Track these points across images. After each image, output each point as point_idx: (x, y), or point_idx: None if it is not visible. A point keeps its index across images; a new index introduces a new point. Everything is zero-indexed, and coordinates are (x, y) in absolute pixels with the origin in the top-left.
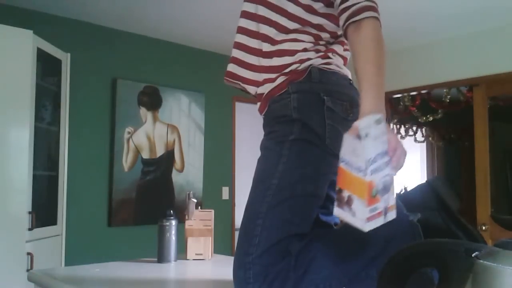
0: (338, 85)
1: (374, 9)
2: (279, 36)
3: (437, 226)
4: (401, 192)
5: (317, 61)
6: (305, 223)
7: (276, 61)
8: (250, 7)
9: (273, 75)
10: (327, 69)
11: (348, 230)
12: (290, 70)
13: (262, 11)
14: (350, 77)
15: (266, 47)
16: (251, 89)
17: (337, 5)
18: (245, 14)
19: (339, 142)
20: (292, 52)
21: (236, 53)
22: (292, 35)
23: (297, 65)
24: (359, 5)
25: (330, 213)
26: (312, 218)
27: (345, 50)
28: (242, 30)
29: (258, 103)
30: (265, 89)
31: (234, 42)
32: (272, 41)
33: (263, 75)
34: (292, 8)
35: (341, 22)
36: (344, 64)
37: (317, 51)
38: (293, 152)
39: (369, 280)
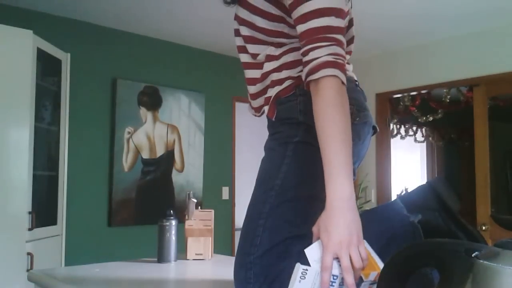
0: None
1: (335, 64)
2: (279, 50)
3: (437, 227)
4: (402, 193)
5: None
6: (307, 224)
7: (285, 73)
8: (239, 41)
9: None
10: None
11: None
12: (298, 76)
13: (250, 45)
14: (356, 78)
15: (272, 65)
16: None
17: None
18: (240, 49)
19: None
20: (300, 62)
21: (249, 89)
22: (292, 44)
23: None
24: (318, 61)
25: None
26: (314, 220)
27: (347, 53)
28: (244, 66)
29: (266, 107)
30: (272, 92)
31: (245, 79)
32: (275, 58)
33: (274, 89)
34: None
35: (303, 77)
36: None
37: None
38: (297, 153)
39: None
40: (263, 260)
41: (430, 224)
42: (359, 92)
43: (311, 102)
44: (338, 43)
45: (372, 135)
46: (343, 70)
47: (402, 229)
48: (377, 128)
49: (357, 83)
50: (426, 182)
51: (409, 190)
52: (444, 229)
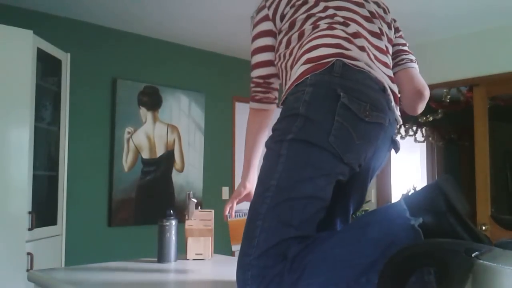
0: (362, 85)
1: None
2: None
3: (442, 229)
4: (409, 193)
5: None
6: (305, 225)
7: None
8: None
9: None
10: (353, 65)
11: (348, 234)
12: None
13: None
14: (385, 84)
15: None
16: None
17: None
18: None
19: (346, 142)
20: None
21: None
22: None
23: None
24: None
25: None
26: (314, 220)
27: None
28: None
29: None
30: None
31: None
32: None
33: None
34: None
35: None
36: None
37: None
38: (291, 152)
39: (370, 286)
40: (260, 262)
41: (435, 227)
42: (381, 95)
43: (319, 92)
44: None
45: (392, 150)
46: None
47: (403, 234)
48: (399, 144)
49: (384, 88)
50: (434, 181)
51: (417, 189)
52: (450, 232)
